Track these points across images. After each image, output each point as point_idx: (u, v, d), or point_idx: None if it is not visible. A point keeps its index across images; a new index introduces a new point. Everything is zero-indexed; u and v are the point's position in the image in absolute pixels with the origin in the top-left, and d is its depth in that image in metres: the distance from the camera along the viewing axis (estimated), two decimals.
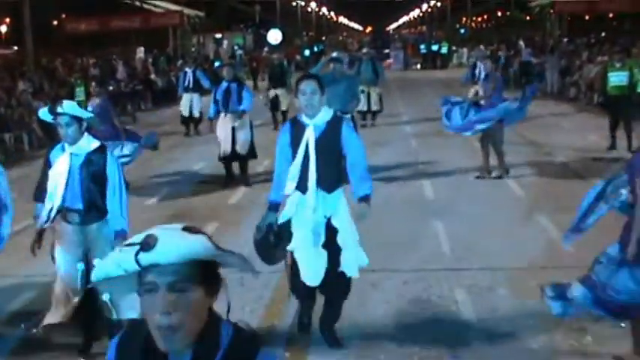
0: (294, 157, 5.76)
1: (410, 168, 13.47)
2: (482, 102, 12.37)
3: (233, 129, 12.11)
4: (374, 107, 19.30)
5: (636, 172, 5.23)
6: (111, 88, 24.00)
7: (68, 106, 5.71)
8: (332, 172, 5.79)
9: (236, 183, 12.26)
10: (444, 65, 44.89)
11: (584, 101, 22.73)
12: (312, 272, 5.72)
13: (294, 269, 5.84)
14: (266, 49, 45.03)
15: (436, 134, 15.74)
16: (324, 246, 5.73)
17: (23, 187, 12.91)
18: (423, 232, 9.35)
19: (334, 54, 12.12)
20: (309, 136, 5.71)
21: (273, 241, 5.83)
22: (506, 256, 8.28)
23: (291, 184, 5.77)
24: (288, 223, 5.84)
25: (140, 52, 36.44)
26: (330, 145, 5.73)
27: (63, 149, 5.73)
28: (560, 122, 19.21)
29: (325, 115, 5.77)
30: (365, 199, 5.80)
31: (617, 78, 14.93)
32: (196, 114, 18.52)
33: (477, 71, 17.91)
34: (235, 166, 12.41)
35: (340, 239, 5.74)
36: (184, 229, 2.05)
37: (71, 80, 20.45)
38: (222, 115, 12.26)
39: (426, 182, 12.24)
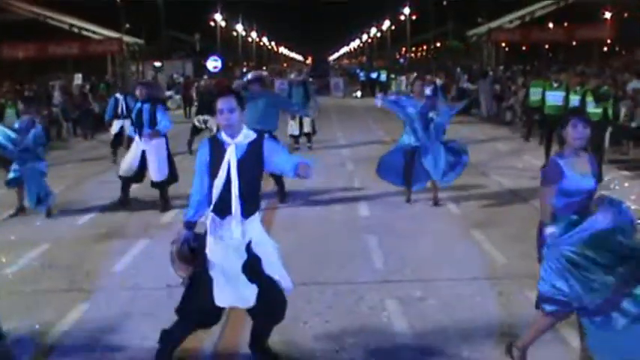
0: (213, 176, 5.40)
1: (345, 189, 13.44)
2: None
3: (143, 152, 11.84)
4: (306, 129, 19.30)
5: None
6: (45, 112, 23.70)
7: None
8: (253, 196, 5.49)
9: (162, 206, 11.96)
10: (383, 93, 45.21)
11: (520, 124, 23.05)
12: (226, 293, 5.38)
13: (192, 290, 5.53)
14: (205, 77, 44.96)
15: (372, 158, 15.70)
16: (245, 271, 5.39)
17: None
18: (356, 247, 9.31)
19: (249, 75, 11.88)
20: (231, 157, 5.36)
21: (188, 253, 5.52)
22: (438, 267, 8.29)
23: (215, 212, 5.42)
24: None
25: (78, 78, 36.01)
26: (252, 166, 5.40)
27: None
28: (495, 145, 19.43)
29: (248, 134, 5.44)
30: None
31: (553, 97, 15.30)
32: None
33: None
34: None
35: (262, 265, 5.45)
36: None
37: (1, 102, 20.16)
38: (136, 136, 12.00)
39: (361, 202, 12.21)
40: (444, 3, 67.68)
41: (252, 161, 5.39)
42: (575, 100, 14.23)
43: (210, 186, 5.43)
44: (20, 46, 38.84)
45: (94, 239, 10.17)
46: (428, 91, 17.93)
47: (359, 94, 45.79)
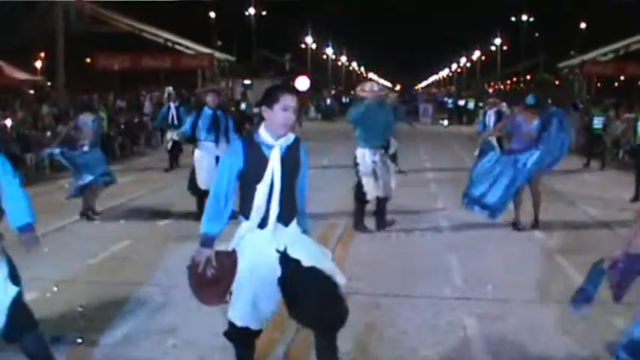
0: (252, 183, 4.77)
1: (428, 209, 13.28)
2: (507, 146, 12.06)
3: (217, 158, 11.25)
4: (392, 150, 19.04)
5: None
6: (136, 120, 24.32)
7: None
8: (293, 201, 4.92)
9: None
10: (470, 121, 44.73)
11: (609, 157, 22.46)
12: (256, 313, 4.88)
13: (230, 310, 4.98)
14: None
15: (456, 181, 15.52)
16: (283, 282, 4.83)
17: (39, 204, 13.02)
18: (436, 264, 9.15)
19: (375, 87, 11.64)
20: (275, 161, 4.76)
21: (209, 277, 4.85)
22: (519, 289, 8.04)
23: (254, 221, 4.80)
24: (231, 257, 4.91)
25: (168, 91, 36.69)
26: (292, 169, 4.85)
27: None
28: (584, 176, 19.01)
29: (290, 135, 4.88)
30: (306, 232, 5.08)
31: None
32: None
33: (486, 119, 18.07)
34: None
35: (308, 261, 4.79)
36: None
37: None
38: (203, 143, 11.71)
39: (443, 221, 12.05)
40: (536, 35, 66.92)
41: (292, 164, 4.86)
42: None
43: (251, 194, 4.80)
44: (115, 58, 39.85)
45: (174, 240, 10.26)
46: (493, 115, 17.70)
47: (446, 122, 45.01)
